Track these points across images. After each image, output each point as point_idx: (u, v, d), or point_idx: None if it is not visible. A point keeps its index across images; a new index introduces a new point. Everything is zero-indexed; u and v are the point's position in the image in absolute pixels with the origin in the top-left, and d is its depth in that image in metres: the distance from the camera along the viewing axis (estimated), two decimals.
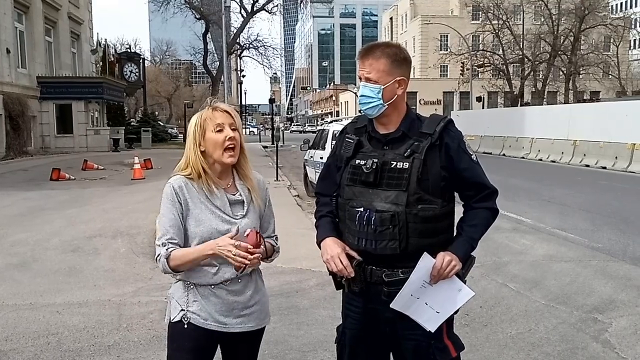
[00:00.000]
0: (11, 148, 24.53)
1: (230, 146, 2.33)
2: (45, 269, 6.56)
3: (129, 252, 7.25)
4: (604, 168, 19.10)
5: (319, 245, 2.43)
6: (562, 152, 22.01)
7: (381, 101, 2.31)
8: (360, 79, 2.36)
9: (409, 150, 2.28)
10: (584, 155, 20.68)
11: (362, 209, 2.30)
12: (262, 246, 2.30)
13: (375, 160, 2.30)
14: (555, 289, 5.76)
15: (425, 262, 2.24)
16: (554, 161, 22.23)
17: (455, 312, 2.38)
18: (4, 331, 4.65)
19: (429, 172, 2.27)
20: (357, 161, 2.35)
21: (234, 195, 2.41)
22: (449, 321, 2.38)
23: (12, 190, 13.88)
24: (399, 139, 2.33)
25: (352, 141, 2.42)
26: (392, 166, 2.28)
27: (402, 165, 2.27)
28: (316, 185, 2.66)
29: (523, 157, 24.62)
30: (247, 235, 2.27)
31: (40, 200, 12.16)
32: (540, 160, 23.18)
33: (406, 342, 2.37)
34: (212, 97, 2.51)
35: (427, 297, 2.30)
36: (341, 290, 2.50)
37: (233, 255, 2.17)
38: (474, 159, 2.38)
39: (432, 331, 2.30)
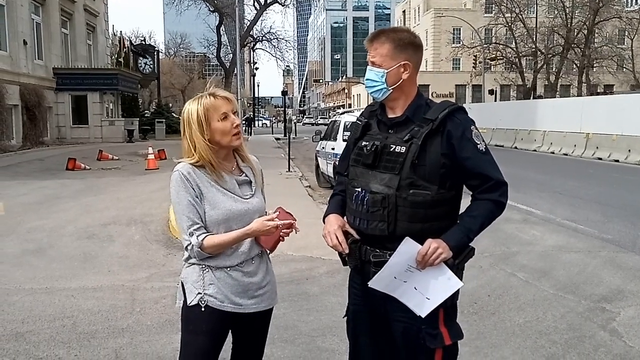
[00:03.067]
0: (28, 138, 24.83)
1: (237, 131, 2.40)
2: (61, 255, 6.70)
3: (143, 239, 7.37)
4: (617, 161, 18.95)
5: (324, 221, 2.49)
6: (575, 145, 21.85)
7: (385, 85, 2.34)
8: (368, 63, 2.40)
9: (408, 135, 2.30)
10: (597, 148, 20.52)
11: (359, 189, 2.36)
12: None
13: (377, 142, 2.34)
14: (564, 279, 5.79)
15: (407, 247, 2.25)
16: (566, 154, 22.09)
17: (456, 300, 2.37)
18: (20, 314, 4.77)
19: (427, 157, 2.26)
20: (362, 143, 2.41)
21: (240, 176, 2.47)
22: (448, 309, 2.37)
23: (28, 179, 14.10)
24: (402, 123, 2.36)
25: (360, 123, 2.48)
26: (391, 149, 2.31)
27: (400, 149, 2.29)
28: (337, 164, 2.73)
29: (535, 150, 24.45)
30: (279, 213, 2.38)
31: (56, 189, 12.34)
32: (553, 153, 23.03)
33: (396, 323, 2.39)
34: (211, 80, 2.55)
35: (416, 282, 2.30)
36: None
37: (279, 226, 2.31)
38: (481, 148, 2.31)
39: (423, 316, 2.29)
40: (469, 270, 6.00)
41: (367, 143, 2.37)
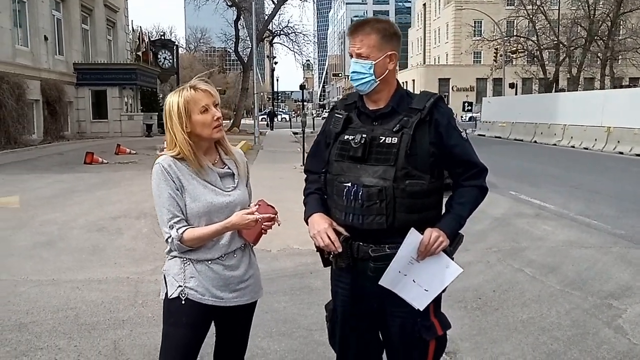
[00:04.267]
0: (48, 133, 25.20)
1: (218, 124, 2.38)
2: (70, 248, 6.78)
3: (151, 232, 7.43)
4: (638, 155, 18.62)
5: (306, 221, 2.44)
6: (595, 139, 21.53)
7: (373, 77, 2.30)
8: (351, 55, 2.35)
9: (398, 125, 2.27)
10: (618, 142, 20.19)
11: (349, 184, 2.30)
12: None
13: (364, 135, 2.30)
14: (572, 275, 5.70)
15: (413, 238, 2.24)
16: (586, 148, 21.78)
17: (443, 291, 2.37)
18: (26, 305, 4.84)
19: (418, 147, 2.25)
20: (346, 136, 2.36)
21: (222, 169, 2.46)
22: (437, 300, 2.38)
23: (47, 173, 14.30)
24: (388, 114, 2.33)
25: (341, 116, 2.42)
26: (381, 141, 2.27)
27: (391, 140, 2.26)
28: (305, 163, 2.68)
29: (555, 144, 24.16)
30: (260, 206, 2.36)
31: (73, 182, 12.49)
32: (573, 147, 22.73)
33: (393, 319, 2.38)
34: (200, 75, 2.54)
35: (414, 274, 2.29)
36: (329, 267, 2.51)
37: (259, 220, 2.29)
38: (464, 136, 2.37)
39: (421, 309, 2.30)
40: (475, 265, 6.01)
41: (353, 136, 2.32)
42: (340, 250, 2.30)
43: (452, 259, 2.35)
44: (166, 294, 2.42)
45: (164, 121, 2.44)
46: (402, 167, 2.24)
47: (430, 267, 2.30)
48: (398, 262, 2.27)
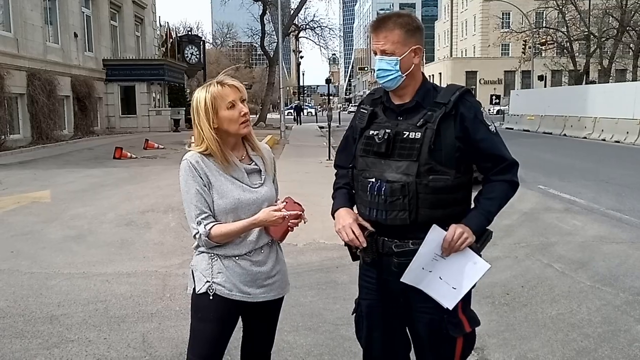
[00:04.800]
0: (79, 128, 25.63)
1: (245, 120, 2.39)
2: (100, 241, 6.90)
3: (178, 227, 7.50)
4: None
5: (333, 216, 2.44)
6: (627, 132, 21.06)
7: (399, 73, 2.28)
8: (375, 53, 2.33)
9: (421, 120, 2.25)
10: None
11: (373, 180, 2.30)
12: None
13: (388, 130, 2.28)
14: (603, 270, 5.60)
15: (435, 235, 2.22)
16: (617, 141, 21.32)
17: (472, 287, 2.34)
18: (57, 297, 4.94)
19: (442, 142, 2.23)
20: (371, 132, 2.35)
21: (249, 165, 2.46)
22: (466, 297, 2.34)
23: (77, 167, 14.56)
24: (412, 109, 2.31)
25: (366, 112, 2.42)
26: (405, 136, 2.26)
27: (414, 135, 2.24)
28: (335, 158, 2.68)
29: (585, 138, 23.71)
30: (287, 203, 2.37)
31: (102, 177, 12.69)
32: (604, 140, 22.28)
33: (419, 314, 2.36)
34: (226, 70, 2.54)
35: (441, 271, 2.27)
36: (356, 262, 2.52)
37: (286, 217, 2.30)
38: (493, 129, 2.32)
39: (450, 308, 2.28)
40: (503, 260, 5.94)
41: (377, 132, 2.31)
42: (364, 245, 2.30)
43: (480, 255, 2.31)
44: (194, 289, 2.44)
45: (191, 117, 2.46)
46: (425, 162, 2.22)
47: (457, 264, 2.27)
48: (420, 259, 2.26)
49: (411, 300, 2.36)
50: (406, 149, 2.25)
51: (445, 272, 2.28)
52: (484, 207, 2.30)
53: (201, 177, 2.34)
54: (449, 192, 2.25)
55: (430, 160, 2.22)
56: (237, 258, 2.39)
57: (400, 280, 2.29)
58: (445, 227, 2.23)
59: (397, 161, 2.26)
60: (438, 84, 2.45)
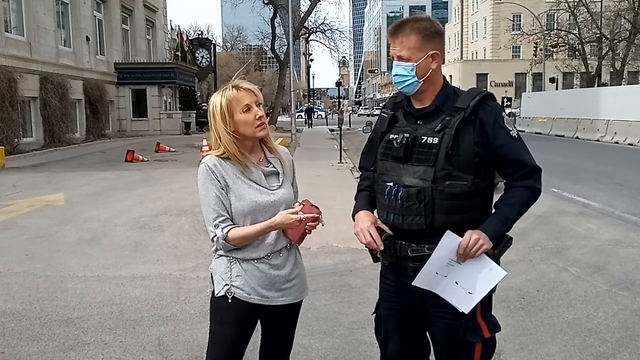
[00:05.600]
0: (91, 131, 25.84)
1: (260, 123, 2.40)
2: (114, 244, 6.93)
3: (192, 230, 7.52)
4: None
5: (353, 218, 2.44)
6: None
7: (415, 78, 2.27)
8: (393, 58, 2.33)
9: (439, 125, 2.24)
10: None
11: (391, 184, 2.30)
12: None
13: (407, 135, 2.27)
14: (619, 275, 5.54)
15: (449, 240, 2.20)
16: (631, 144, 21.13)
17: (492, 292, 2.32)
18: (72, 300, 4.97)
19: (461, 147, 2.21)
20: (391, 136, 2.35)
21: (267, 167, 2.47)
22: (485, 301, 2.32)
23: (89, 170, 14.66)
24: (432, 113, 2.30)
25: (386, 116, 2.43)
26: (423, 141, 2.25)
27: (432, 140, 2.23)
28: (359, 160, 2.68)
29: (598, 140, 23.54)
30: (304, 206, 2.36)
31: (114, 180, 12.77)
32: (617, 143, 22.09)
33: (436, 319, 2.35)
34: (237, 73, 2.56)
35: (457, 276, 2.26)
36: (373, 264, 2.52)
37: (303, 220, 2.30)
38: (514, 135, 2.28)
39: (466, 312, 2.26)
40: (518, 264, 5.91)
41: (396, 136, 2.31)
42: (382, 248, 2.31)
43: (499, 262, 2.28)
44: (213, 292, 2.44)
45: (208, 121, 2.47)
46: (441, 167, 2.20)
47: (473, 270, 2.25)
48: (433, 264, 2.24)
49: (427, 304, 2.35)
50: (423, 154, 2.24)
51: (461, 277, 2.26)
52: (502, 213, 2.27)
53: (219, 181, 2.36)
54: (466, 197, 2.23)
55: (447, 166, 2.20)
56: (255, 261, 2.39)
57: (412, 284, 2.28)
58: (462, 232, 2.21)
59: (415, 166, 2.26)
60: (459, 88, 2.43)
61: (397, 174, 2.30)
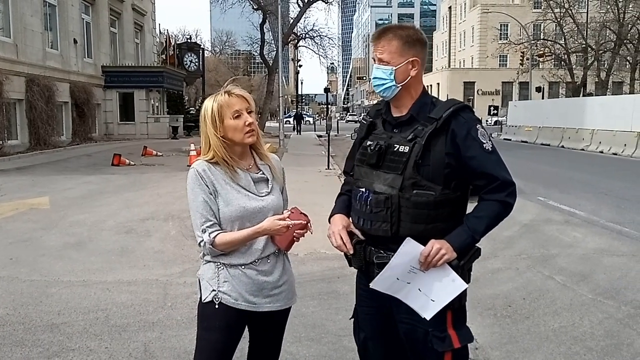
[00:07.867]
0: (77, 134, 25.64)
1: (250, 129, 2.40)
2: (100, 249, 6.86)
3: (179, 235, 7.48)
4: None
5: (329, 221, 2.47)
6: (625, 144, 21.12)
7: (394, 82, 2.30)
8: (374, 60, 2.36)
9: (412, 134, 2.27)
10: None
11: (363, 189, 2.35)
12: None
13: (381, 142, 2.31)
14: (604, 283, 5.59)
15: (409, 247, 2.21)
16: (615, 153, 21.37)
17: (462, 302, 2.31)
18: (57, 305, 4.91)
19: (431, 157, 2.22)
20: (367, 142, 2.38)
21: (257, 173, 2.47)
22: (457, 312, 2.32)
23: (75, 174, 14.54)
24: (407, 122, 2.33)
25: (366, 122, 2.47)
26: (395, 149, 2.27)
27: (403, 149, 2.25)
28: (344, 164, 2.71)
29: (583, 149, 23.76)
30: (292, 213, 2.37)
31: (100, 184, 12.67)
32: (601, 152, 22.31)
33: (400, 325, 2.37)
34: (230, 80, 2.57)
35: (420, 284, 2.26)
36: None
37: (290, 226, 2.31)
38: (487, 147, 2.25)
39: (427, 319, 2.26)
40: (504, 272, 5.94)
41: (372, 143, 2.35)
42: (351, 252, 2.35)
43: (468, 273, 2.29)
44: (200, 297, 2.43)
45: (199, 125, 2.48)
46: (409, 176, 2.23)
47: (435, 279, 2.25)
48: (392, 269, 2.25)
49: (394, 309, 2.37)
50: (394, 161, 2.27)
51: (424, 285, 2.27)
52: (470, 224, 2.26)
53: (207, 186, 2.36)
54: (433, 207, 2.24)
55: (415, 175, 2.23)
56: (243, 267, 2.39)
57: (370, 285, 2.30)
58: (427, 242, 2.21)
59: (386, 173, 2.29)
60: (439, 98, 2.45)
61: (369, 180, 2.34)
